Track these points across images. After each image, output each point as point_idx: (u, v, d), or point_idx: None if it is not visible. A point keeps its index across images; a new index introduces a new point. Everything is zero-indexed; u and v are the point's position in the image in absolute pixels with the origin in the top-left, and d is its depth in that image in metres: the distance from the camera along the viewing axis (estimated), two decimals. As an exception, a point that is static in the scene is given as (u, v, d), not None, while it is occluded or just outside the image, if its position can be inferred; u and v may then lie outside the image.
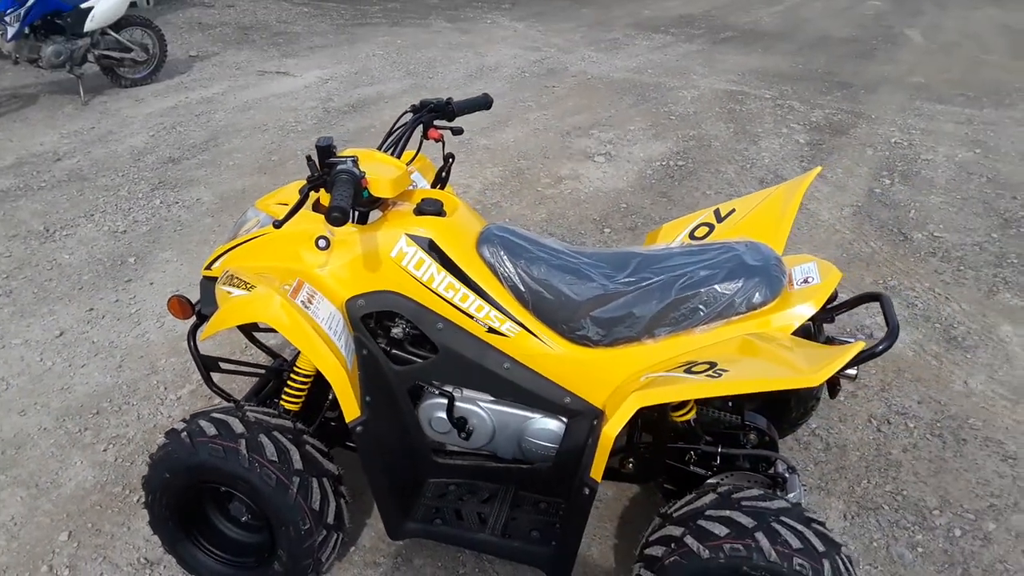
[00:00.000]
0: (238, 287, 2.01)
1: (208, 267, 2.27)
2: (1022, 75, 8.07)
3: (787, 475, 2.19)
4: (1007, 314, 3.71)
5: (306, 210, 2.14)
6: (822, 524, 1.86)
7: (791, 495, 2.11)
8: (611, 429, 1.83)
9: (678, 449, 2.27)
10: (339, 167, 1.86)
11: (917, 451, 2.87)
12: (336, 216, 1.71)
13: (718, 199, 4.81)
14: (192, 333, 2.39)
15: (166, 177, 5.19)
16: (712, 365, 1.81)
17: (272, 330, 2.55)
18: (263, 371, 2.59)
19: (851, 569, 1.84)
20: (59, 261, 4.12)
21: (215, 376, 2.47)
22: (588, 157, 5.60)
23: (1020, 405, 3.10)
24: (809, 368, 1.67)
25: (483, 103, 2.54)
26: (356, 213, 2.12)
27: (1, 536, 2.53)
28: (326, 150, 1.95)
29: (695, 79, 7.66)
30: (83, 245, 4.28)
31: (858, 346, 1.66)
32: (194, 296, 2.35)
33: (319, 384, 2.34)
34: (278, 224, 1.86)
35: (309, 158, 1.96)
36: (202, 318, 2.36)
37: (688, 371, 1.84)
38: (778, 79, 7.71)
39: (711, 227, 2.45)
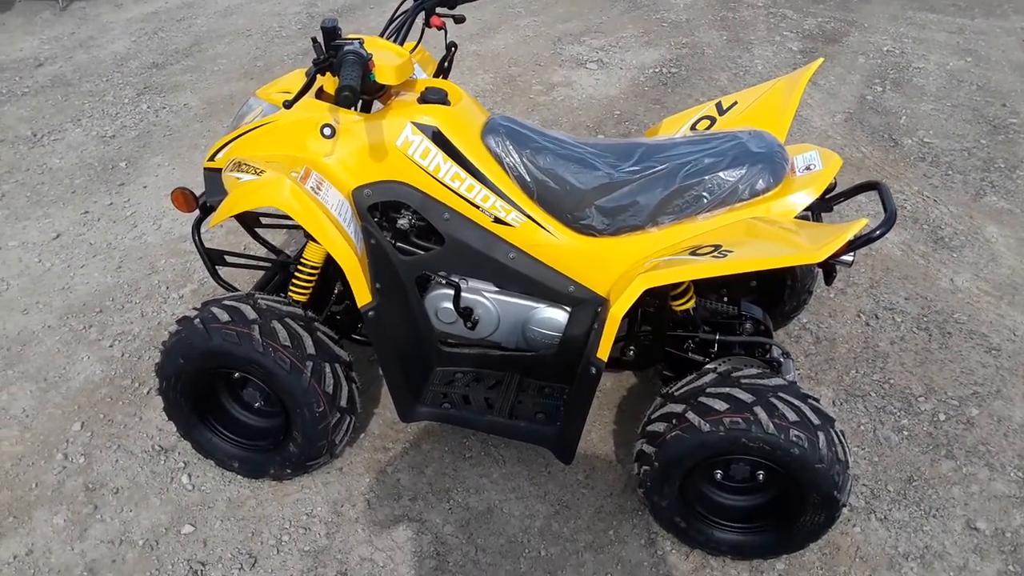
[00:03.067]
0: (247, 173, 2.01)
1: (211, 158, 2.26)
2: (1015, -15, 7.96)
3: (782, 359, 2.27)
4: (993, 216, 3.78)
5: (310, 98, 2.13)
6: (817, 400, 1.95)
7: (786, 377, 2.19)
8: (618, 309, 1.88)
9: (677, 337, 2.33)
10: (347, 48, 1.84)
11: (904, 343, 2.97)
12: (346, 95, 1.71)
13: (711, 105, 4.78)
14: (196, 226, 2.39)
15: (151, 82, 5.09)
16: (717, 247, 1.86)
17: (274, 226, 2.58)
18: (269, 265, 2.61)
19: (844, 442, 1.94)
20: (50, 165, 4.07)
21: (220, 272, 2.48)
22: (580, 64, 5.52)
23: (1004, 300, 3.19)
24: (812, 245, 1.72)
25: None
26: (360, 101, 2.11)
27: (15, 427, 2.59)
28: (332, 32, 1.91)
29: (687, -14, 7.50)
30: (72, 150, 4.23)
31: (862, 222, 1.70)
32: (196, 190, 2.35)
33: (324, 281, 2.37)
34: (288, 104, 1.86)
35: (314, 40, 1.94)
36: (206, 211, 2.36)
37: (693, 254, 1.88)
38: (770, -13, 7.56)
39: (713, 120, 2.46)
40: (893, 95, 5.15)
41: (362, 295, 2.05)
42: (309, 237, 2.20)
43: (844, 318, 3.09)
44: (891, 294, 3.22)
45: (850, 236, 1.69)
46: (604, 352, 1.97)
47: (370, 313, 2.08)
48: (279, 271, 2.58)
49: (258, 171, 1.99)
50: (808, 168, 2.08)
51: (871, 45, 6.05)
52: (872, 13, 6.88)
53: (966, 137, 4.58)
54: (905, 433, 2.59)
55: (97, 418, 2.62)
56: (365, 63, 1.84)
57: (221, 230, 3.53)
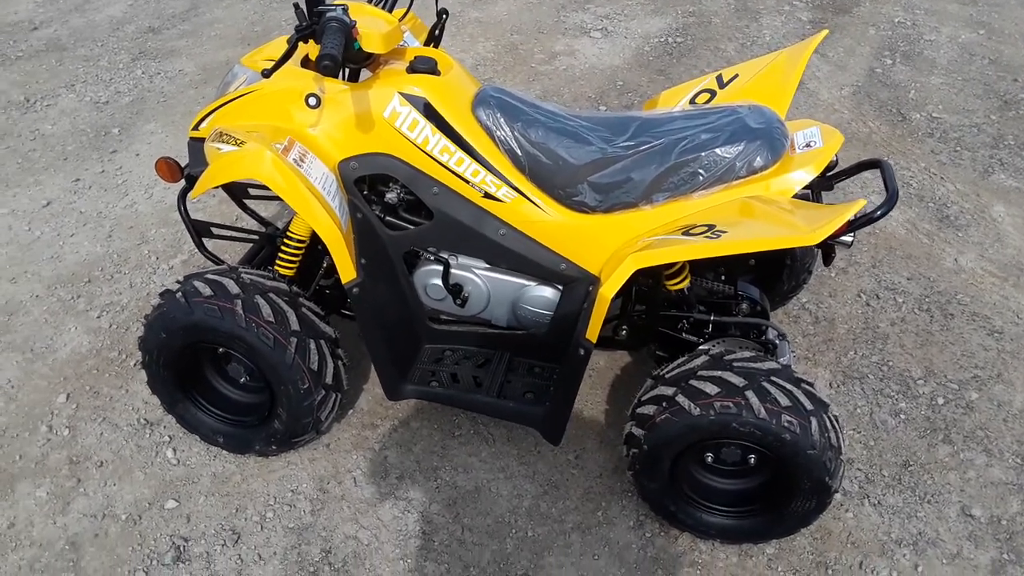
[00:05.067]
0: (228, 143, 1.95)
1: (195, 127, 2.20)
2: (1033, -45, 7.77)
3: (777, 341, 2.22)
4: (1001, 194, 3.70)
5: (295, 66, 2.06)
6: (811, 385, 1.90)
7: (781, 360, 2.15)
8: (608, 290, 1.83)
9: (671, 317, 2.28)
10: (329, 15, 1.78)
11: (904, 325, 2.91)
12: (327, 64, 1.65)
13: (716, 77, 4.68)
14: (182, 197, 2.34)
15: (146, 47, 5.00)
16: (710, 227, 1.80)
17: (264, 197, 2.52)
18: (256, 237, 2.56)
19: (837, 428, 1.89)
20: (42, 131, 4.01)
21: (208, 244, 2.43)
22: (584, 32, 5.41)
23: (1008, 282, 3.13)
24: (808, 227, 1.66)
25: None
26: (347, 70, 2.04)
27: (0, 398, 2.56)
28: None
29: (696, -46, 7.34)
30: (65, 116, 4.17)
31: (860, 203, 1.64)
32: (184, 160, 2.29)
33: (312, 254, 2.32)
34: (267, 73, 1.79)
35: (296, 6, 1.87)
36: (191, 181, 2.29)
37: (686, 234, 1.83)
38: (782, -45, 7.39)
39: (713, 93, 2.40)
40: (903, 68, 5.03)
41: (346, 271, 2.00)
42: (294, 210, 2.14)
43: (844, 298, 3.03)
44: (893, 274, 3.16)
45: (847, 218, 1.63)
46: (593, 333, 1.92)
47: (355, 289, 2.03)
48: (267, 244, 2.52)
49: (239, 142, 1.93)
50: (808, 145, 2.01)
51: (882, 16, 5.91)
52: (884, -17, 6.72)
53: (976, 112, 4.48)
54: (902, 417, 2.55)
55: (83, 390, 2.59)
56: (348, 30, 1.78)
57: (214, 200, 3.48)
